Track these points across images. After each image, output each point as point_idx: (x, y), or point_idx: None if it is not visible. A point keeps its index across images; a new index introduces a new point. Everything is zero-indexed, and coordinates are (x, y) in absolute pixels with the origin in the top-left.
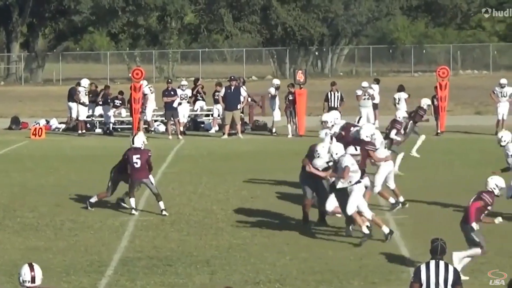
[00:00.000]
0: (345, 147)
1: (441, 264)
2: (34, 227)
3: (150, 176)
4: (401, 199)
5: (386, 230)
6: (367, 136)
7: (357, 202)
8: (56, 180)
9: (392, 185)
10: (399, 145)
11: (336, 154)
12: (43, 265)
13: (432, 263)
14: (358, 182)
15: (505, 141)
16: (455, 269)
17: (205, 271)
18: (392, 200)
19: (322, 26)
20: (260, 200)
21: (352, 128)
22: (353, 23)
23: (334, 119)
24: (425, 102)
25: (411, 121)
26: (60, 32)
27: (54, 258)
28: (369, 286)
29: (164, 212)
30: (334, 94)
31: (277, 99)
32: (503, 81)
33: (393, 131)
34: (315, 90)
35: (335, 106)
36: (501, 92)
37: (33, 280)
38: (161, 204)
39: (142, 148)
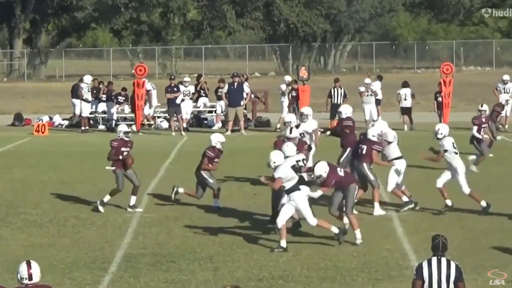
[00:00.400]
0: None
1: (443, 260)
2: (37, 224)
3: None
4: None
5: (335, 230)
6: (373, 136)
7: (308, 209)
8: (59, 177)
9: (401, 185)
10: (487, 144)
11: (274, 163)
12: (46, 261)
13: (434, 260)
14: (296, 189)
15: (441, 134)
16: (457, 266)
17: (208, 267)
18: (405, 198)
19: (325, 23)
20: (263, 196)
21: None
22: (356, 19)
23: (303, 116)
24: (504, 97)
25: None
26: (63, 29)
27: (57, 254)
28: (372, 283)
29: (129, 209)
30: (338, 90)
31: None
32: (506, 77)
33: (474, 128)
34: (318, 86)
35: (338, 102)
36: (504, 88)
37: (30, 277)
38: (106, 197)
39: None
